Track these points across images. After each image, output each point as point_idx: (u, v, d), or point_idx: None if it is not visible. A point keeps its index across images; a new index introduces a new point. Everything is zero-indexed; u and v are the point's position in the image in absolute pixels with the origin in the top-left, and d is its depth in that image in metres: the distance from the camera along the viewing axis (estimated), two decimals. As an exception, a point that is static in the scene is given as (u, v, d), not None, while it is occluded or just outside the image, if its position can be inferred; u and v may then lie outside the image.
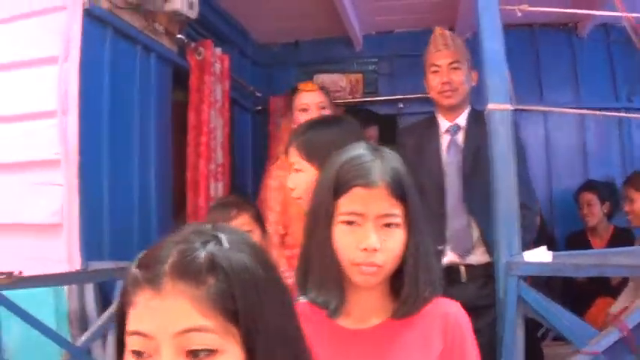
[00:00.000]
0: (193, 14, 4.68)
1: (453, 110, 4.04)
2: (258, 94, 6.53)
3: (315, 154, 2.64)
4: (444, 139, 4.04)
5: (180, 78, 5.06)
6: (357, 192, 1.84)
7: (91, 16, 3.86)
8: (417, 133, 4.21)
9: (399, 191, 1.84)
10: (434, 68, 4.02)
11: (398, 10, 6.25)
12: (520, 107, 3.40)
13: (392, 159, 1.93)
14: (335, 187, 1.88)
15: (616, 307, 4.67)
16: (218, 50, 5.24)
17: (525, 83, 6.50)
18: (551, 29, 6.65)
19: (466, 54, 4.04)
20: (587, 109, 6.16)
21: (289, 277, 3.70)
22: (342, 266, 1.87)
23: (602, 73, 6.43)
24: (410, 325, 1.88)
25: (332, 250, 1.87)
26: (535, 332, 4.69)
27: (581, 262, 3.10)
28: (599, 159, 6.52)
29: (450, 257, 3.87)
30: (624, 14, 2.89)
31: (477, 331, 3.61)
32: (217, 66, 5.15)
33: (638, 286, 4.64)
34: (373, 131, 5.68)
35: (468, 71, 4.00)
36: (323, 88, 4.35)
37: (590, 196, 5.93)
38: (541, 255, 3.10)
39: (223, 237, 1.26)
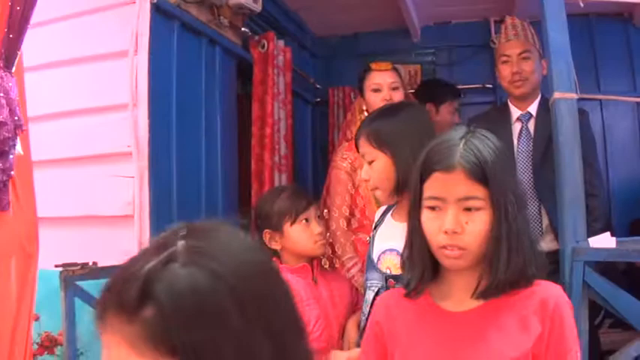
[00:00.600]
0: (257, 8, 4.74)
1: (524, 99, 4.09)
2: (318, 86, 6.58)
3: (386, 142, 2.67)
4: (516, 127, 4.10)
5: (244, 70, 5.12)
6: (436, 176, 1.89)
7: (159, 10, 3.92)
8: (489, 120, 4.19)
9: (479, 174, 1.86)
10: (504, 58, 4.08)
11: (456, 1, 6.25)
12: (585, 96, 3.42)
13: (481, 141, 1.95)
14: (420, 172, 1.94)
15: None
16: (281, 42, 5.28)
17: (582, 72, 6.47)
18: (607, 18, 6.60)
19: (537, 43, 4.06)
20: (644, 97, 6.19)
21: (357, 262, 3.78)
22: (433, 250, 1.92)
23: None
24: (508, 308, 1.90)
25: (422, 235, 1.93)
26: (592, 319, 4.72)
27: (647, 248, 3.08)
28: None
29: None
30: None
31: None
32: (280, 58, 5.20)
33: None
34: (451, 106, 5.56)
35: (538, 60, 4.03)
36: (395, 68, 4.30)
37: None
38: (606, 241, 3.13)
39: (184, 248, 1.06)
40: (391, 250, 2.67)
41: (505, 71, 4.07)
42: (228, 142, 4.76)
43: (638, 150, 6.50)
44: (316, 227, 3.19)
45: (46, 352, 3.71)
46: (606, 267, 3.87)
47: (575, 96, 3.27)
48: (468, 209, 1.88)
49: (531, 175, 3.94)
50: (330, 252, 4.05)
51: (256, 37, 5.09)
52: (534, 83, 4.06)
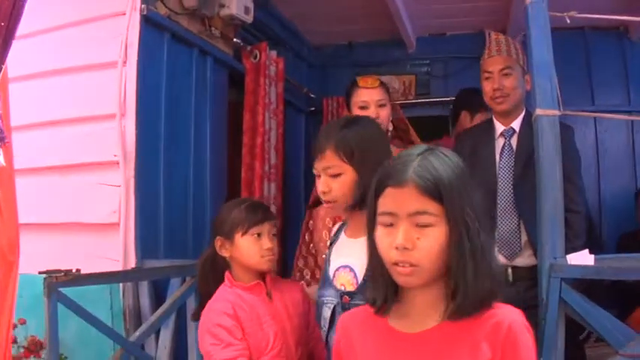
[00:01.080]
0: (249, 19, 4.78)
1: (507, 115, 4.06)
2: (312, 96, 6.58)
3: (355, 157, 2.58)
4: (499, 143, 4.07)
5: (237, 80, 5.15)
6: (389, 192, 1.88)
7: (149, 21, 3.97)
8: (474, 136, 4.25)
9: (431, 190, 1.82)
10: (486, 74, 4.06)
11: (451, 14, 6.28)
12: (567, 112, 3.42)
13: (438, 158, 1.90)
14: (375, 188, 1.93)
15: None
16: (273, 53, 5.31)
17: (576, 86, 6.51)
18: (603, 32, 6.62)
19: (521, 58, 4.04)
20: (638, 112, 6.18)
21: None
22: (387, 267, 1.90)
23: (653, 76, 6.38)
24: (464, 330, 1.85)
25: (377, 251, 1.92)
26: (578, 334, 4.71)
27: (624, 266, 3.11)
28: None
29: (499, 258, 3.86)
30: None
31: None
32: (272, 68, 5.23)
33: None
34: (484, 115, 5.16)
35: (521, 76, 4.01)
36: (383, 84, 4.26)
37: None
38: (584, 258, 3.15)
39: None
40: (344, 266, 2.63)
41: (487, 87, 4.04)
42: (218, 151, 4.80)
43: (630, 165, 6.51)
44: (267, 243, 3.16)
45: (32, 356, 3.75)
46: (592, 283, 3.90)
47: (557, 112, 3.27)
48: (420, 225, 1.84)
49: (512, 190, 3.93)
50: (313, 263, 4.08)
51: (249, 48, 5.11)
52: (516, 99, 4.01)
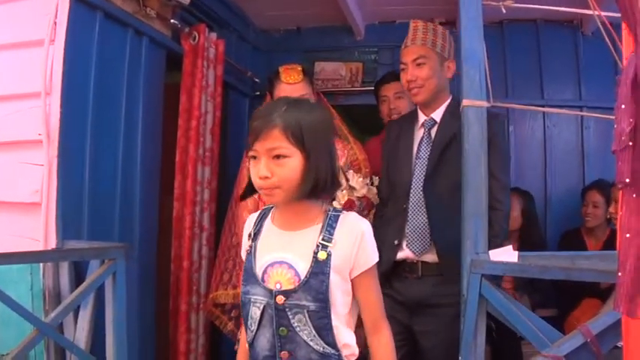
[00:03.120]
0: (186, 0, 4.72)
1: (427, 105, 4.05)
2: (257, 80, 6.50)
3: (306, 139, 2.42)
4: (419, 134, 4.04)
5: (177, 62, 5.09)
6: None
7: (80, 0, 3.90)
8: (401, 126, 4.21)
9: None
10: (402, 66, 4.06)
11: (401, 1, 6.24)
12: (497, 104, 3.39)
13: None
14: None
15: (604, 310, 4.65)
16: (213, 35, 5.26)
17: (526, 79, 6.51)
18: (556, 25, 6.59)
19: (439, 45, 4.00)
20: (588, 108, 6.18)
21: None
22: None
23: (605, 71, 6.33)
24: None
25: None
26: (515, 332, 4.73)
27: (549, 264, 3.05)
28: (598, 158, 6.46)
29: (405, 252, 3.88)
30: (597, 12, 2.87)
31: (431, 331, 3.67)
32: (211, 50, 5.19)
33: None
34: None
35: (438, 64, 3.99)
36: (307, 75, 4.29)
37: (598, 197, 5.82)
38: (507, 254, 3.12)
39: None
40: (280, 262, 2.47)
41: (403, 79, 4.06)
42: (151, 133, 4.75)
43: (578, 162, 6.49)
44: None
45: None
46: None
47: (485, 104, 3.24)
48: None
49: (422, 185, 3.90)
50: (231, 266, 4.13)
51: (187, 29, 5.05)
52: (432, 89, 3.99)
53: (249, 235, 2.67)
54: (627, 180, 1.85)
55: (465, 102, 3.24)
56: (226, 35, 5.82)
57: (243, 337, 2.69)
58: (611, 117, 2.00)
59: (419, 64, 3.95)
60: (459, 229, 3.38)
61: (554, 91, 6.54)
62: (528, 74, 6.54)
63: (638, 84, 1.83)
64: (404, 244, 3.91)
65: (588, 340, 2.76)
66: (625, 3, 1.87)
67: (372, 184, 4.32)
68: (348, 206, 3.83)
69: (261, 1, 6.20)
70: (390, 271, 3.91)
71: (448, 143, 3.83)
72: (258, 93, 6.56)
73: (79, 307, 3.71)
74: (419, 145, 4.00)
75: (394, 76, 5.06)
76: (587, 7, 2.91)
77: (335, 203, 3.78)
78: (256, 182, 2.43)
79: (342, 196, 3.87)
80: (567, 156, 6.51)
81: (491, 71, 3.29)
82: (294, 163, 2.39)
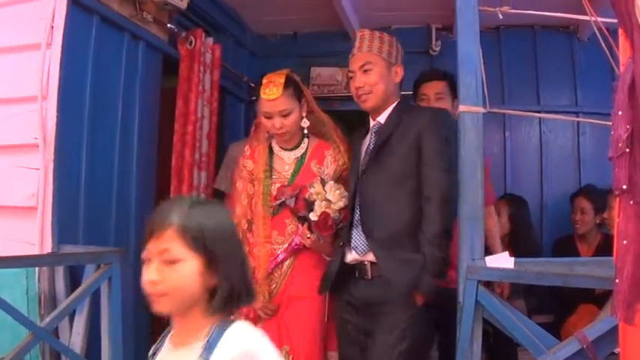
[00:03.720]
0: (183, 5, 4.74)
1: (377, 110, 3.96)
2: (253, 85, 6.45)
3: (207, 243, 2.12)
4: (366, 140, 4.01)
5: (173, 67, 5.09)
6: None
7: (76, 3, 3.90)
8: (359, 133, 4.14)
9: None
10: (350, 74, 3.98)
11: (396, 7, 6.25)
12: (494, 110, 3.40)
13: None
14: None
15: (601, 317, 4.64)
16: (209, 40, 5.26)
17: (523, 84, 6.52)
18: (553, 31, 6.62)
19: (385, 51, 3.91)
20: (584, 113, 6.18)
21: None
22: None
23: (601, 77, 6.34)
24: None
25: None
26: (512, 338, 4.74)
27: (545, 271, 3.07)
28: (593, 164, 6.47)
29: (353, 254, 3.79)
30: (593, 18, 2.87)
31: (386, 330, 3.62)
32: (208, 55, 5.19)
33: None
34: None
35: (385, 69, 3.88)
36: (289, 87, 4.07)
37: (585, 204, 5.79)
38: (503, 260, 3.12)
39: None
40: None
41: (351, 87, 3.97)
42: (147, 137, 4.76)
43: (574, 168, 6.52)
44: None
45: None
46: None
47: (481, 110, 3.26)
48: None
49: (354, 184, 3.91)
50: None
51: (184, 34, 5.06)
52: (380, 94, 3.87)
53: (149, 355, 2.34)
54: (624, 187, 1.85)
55: (461, 108, 3.26)
56: (223, 40, 5.83)
57: None
58: (607, 123, 2.01)
59: (366, 71, 3.87)
60: (397, 223, 3.56)
61: (550, 96, 6.56)
62: (524, 80, 6.56)
63: (636, 90, 1.83)
64: (351, 244, 3.83)
65: (585, 346, 2.76)
66: (622, 9, 1.87)
67: None
68: (323, 218, 3.77)
69: (257, 6, 6.21)
70: (343, 274, 3.85)
71: (386, 140, 3.76)
72: (254, 98, 6.50)
73: (74, 311, 3.70)
74: (366, 150, 3.94)
75: (436, 74, 4.97)
76: (584, 13, 2.91)
77: (311, 215, 3.77)
78: (144, 286, 2.11)
79: (318, 208, 3.83)
80: (563, 162, 6.53)
81: (487, 77, 3.28)
82: (186, 269, 2.08)
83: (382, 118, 3.92)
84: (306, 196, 3.86)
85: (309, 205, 3.81)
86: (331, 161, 4.13)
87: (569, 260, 3.17)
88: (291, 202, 3.95)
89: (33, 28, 3.89)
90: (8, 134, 3.95)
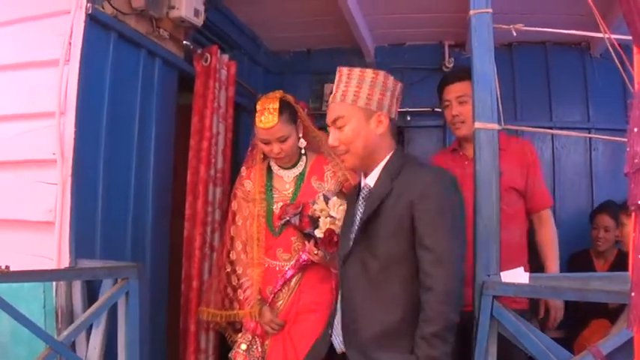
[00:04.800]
0: (199, 22, 4.78)
1: (364, 170, 3.49)
2: (266, 101, 6.50)
3: None
4: (358, 205, 3.51)
5: (189, 83, 5.12)
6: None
7: (94, 20, 3.93)
8: (354, 189, 3.72)
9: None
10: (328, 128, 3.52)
11: (410, 24, 6.29)
12: (508, 126, 3.40)
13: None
14: None
15: (615, 330, 4.62)
16: (225, 57, 5.28)
17: (535, 101, 6.54)
18: (564, 47, 6.65)
19: (361, 99, 3.35)
20: (597, 129, 6.20)
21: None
22: None
23: (613, 93, 6.36)
24: None
25: None
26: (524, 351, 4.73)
27: (560, 286, 3.09)
28: (606, 180, 6.50)
29: (337, 344, 3.43)
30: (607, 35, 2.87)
31: None
32: (223, 72, 5.21)
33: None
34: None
35: (363, 122, 3.34)
36: (285, 110, 4.12)
37: (609, 221, 5.80)
38: (518, 276, 3.13)
39: None
40: None
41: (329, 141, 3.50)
42: (163, 153, 4.79)
43: (586, 184, 6.54)
44: None
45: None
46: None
47: (496, 127, 3.26)
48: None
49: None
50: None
51: (200, 51, 5.10)
52: (358, 153, 3.34)
53: None
54: None
55: (476, 124, 3.26)
56: (238, 57, 5.85)
57: None
58: (619, 139, 2.02)
59: (339, 127, 3.35)
60: (381, 324, 3.13)
61: (562, 113, 6.59)
62: (537, 96, 6.59)
63: (650, 107, 1.84)
64: (334, 333, 3.48)
65: (599, 360, 2.77)
66: (637, 26, 1.89)
67: None
68: (328, 235, 3.65)
69: (272, 23, 6.27)
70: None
71: (376, 209, 3.24)
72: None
73: (91, 325, 3.72)
74: (357, 214, 3.48)
75: (457, 75, 4.48)
76: (596, 30, 2.93)
77: (317, 232, 3.75)
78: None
79: (323, 225, 3.77)
80: (576, 177, 6.56)
81: (500, 93, 3.30)
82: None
83: (371, 179, 3.40)
84: (310, 212, 3.85)
85: (314, 222, 3.80)
86: (331, 176, 4.19)
87: (584, 275, 3.17)
88: (296, 220, 3.96)
89: (51, 44, 3.92)
90: (26, 149, 3.97)
